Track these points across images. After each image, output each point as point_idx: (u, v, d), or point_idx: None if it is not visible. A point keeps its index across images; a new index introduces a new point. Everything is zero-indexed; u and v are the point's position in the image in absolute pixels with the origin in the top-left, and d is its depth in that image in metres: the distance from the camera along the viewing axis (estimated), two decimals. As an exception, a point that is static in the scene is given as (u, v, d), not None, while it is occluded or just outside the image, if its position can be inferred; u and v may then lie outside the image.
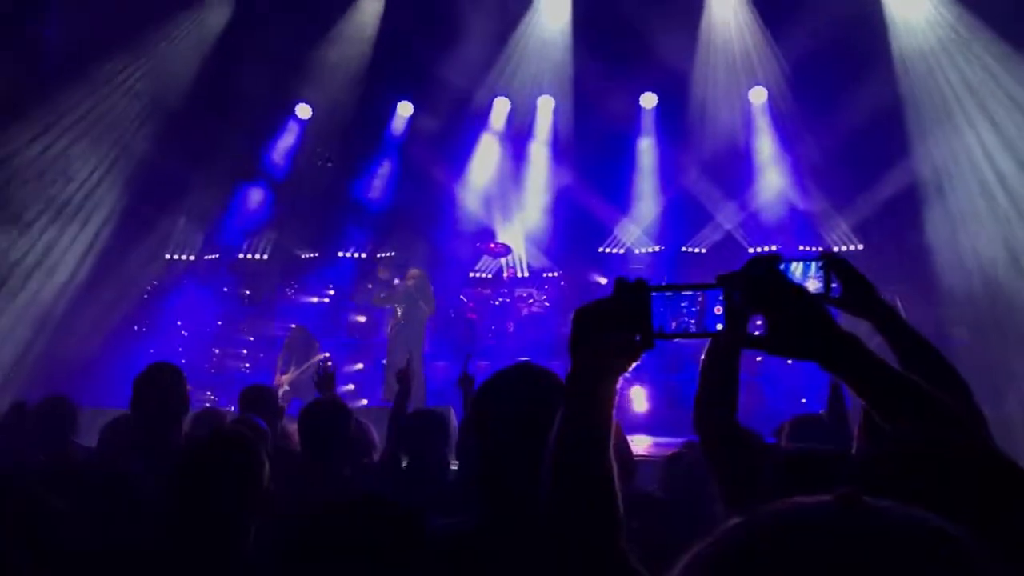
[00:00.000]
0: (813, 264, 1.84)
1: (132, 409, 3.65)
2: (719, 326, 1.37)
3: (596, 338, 1.36)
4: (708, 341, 1.86)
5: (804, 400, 10.87)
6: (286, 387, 10.48)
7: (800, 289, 1.31)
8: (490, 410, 1.89)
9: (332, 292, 13.42)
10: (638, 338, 1.38)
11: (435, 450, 3.94)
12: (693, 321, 1.40)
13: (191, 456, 2.38)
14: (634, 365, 1.40)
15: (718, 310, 1.37)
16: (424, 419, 4.12)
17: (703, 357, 1.90)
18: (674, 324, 1.41)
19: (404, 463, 4.22)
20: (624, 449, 3.67)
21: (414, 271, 10.66)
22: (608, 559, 1.28)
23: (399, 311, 10.38)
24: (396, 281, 10.92)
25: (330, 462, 3.55)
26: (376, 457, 4.80)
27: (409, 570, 1.72)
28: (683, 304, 1.40)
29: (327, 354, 11.33)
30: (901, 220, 11.36)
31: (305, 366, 10.72)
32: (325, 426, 3.62)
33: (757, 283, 1.31)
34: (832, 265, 1.83)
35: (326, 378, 4.94)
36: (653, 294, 1.39)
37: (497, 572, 1.76)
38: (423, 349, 10.53)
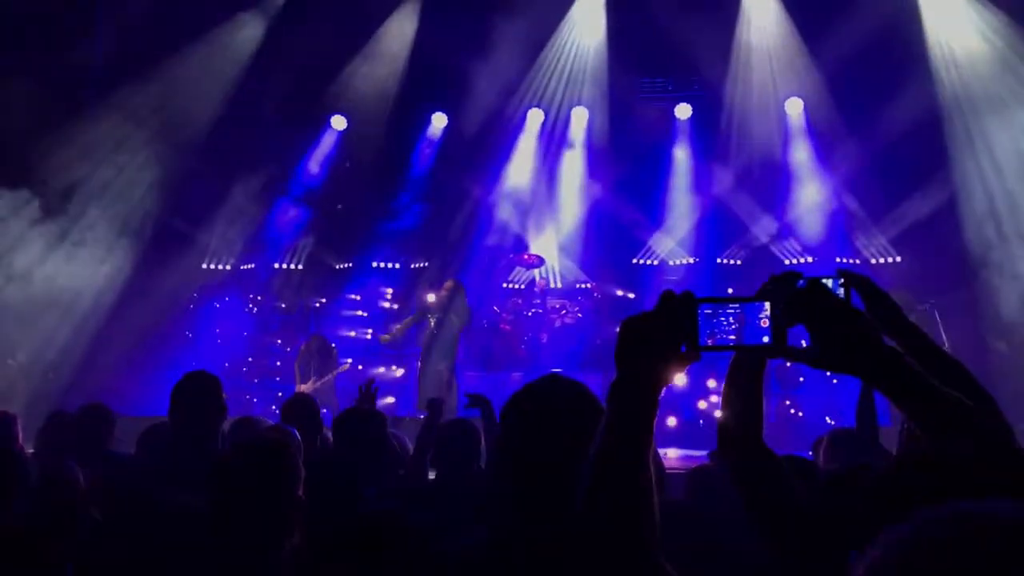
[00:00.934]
0: (838, 282, 1.84)
1: (170, 417, 3.68)
2: (765, 339, 1.39)
3: (642, 349, 1.39)
4: (732, 356, 1.86)
5: (831, 420, 10.76)
6: (307, 396, 10.51)
7: (846, 304, 1.34)
8: (516, 422, 1.90)
9: (357, 297, 13.49)
10: (684, 349, 1.41)
11: (464, 462, 3.93)
12: (732, 336, 1.42)
13: (226, 463, 2.40)
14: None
15: (764, 323, 1.38)
16: (454, 430, 4.11)
17: (727, 373, 1.90)
18: (713, 339, 1.43)
19: (432, 475, 4.23)
20: (655, 461, 3.67)
21: (449, 283, 10.67)
22: (645, 566, 1.31)
23: (432, 321, 10.41)
24: (432, 297, 10.86)
25: (366, 472, 3.55)
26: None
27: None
28: (725, 317, 1.42)
29: (348, 362, 11.36)
30: (940, 232, 11.21)
31: (330, 376, 10.74)
32: (361, 435, 3.63)
33: (803, 297, 1.34)
34: (852, 281, 1.83)
35: (369, 395, 4.93)
36: (700, 306, 1.41)
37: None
38: (455, 359, 10.54)
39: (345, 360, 11.33)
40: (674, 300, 1.40)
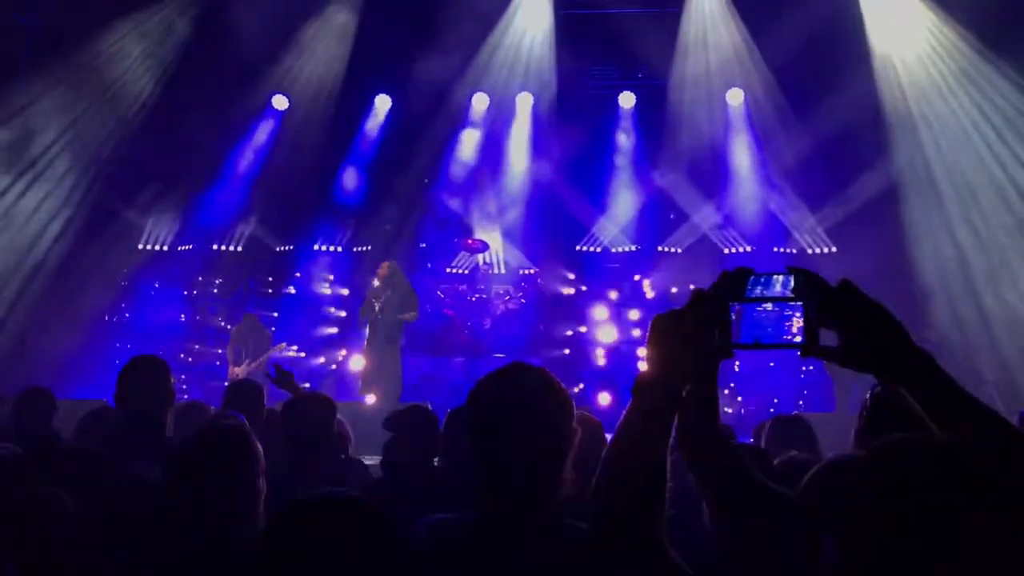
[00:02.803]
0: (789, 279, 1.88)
1: (117, 402, 3.59)
2: (798, 338, 1.41)
3: (673, 347, 1.42)
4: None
5: (776, 400, 11.07)
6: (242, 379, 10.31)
7: (877, 304, 1.37)
8: (489, 410, 1.92)
9: (300, 275, 13.35)
10: (716, 346, 1.44)
11: (420, 447, 3.92)
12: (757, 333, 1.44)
13: (190, 449, 2.37)
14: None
15: (798, 323, 1.41)
16: (409, 416, 4.08)
17: None
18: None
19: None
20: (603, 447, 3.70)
21: (383, 265, 10.47)
22: (652, 549, 1.35)
23: (377, 305, 10.33)
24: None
25: (315, 458, 3.53)
26: (351, 452, 4.74)
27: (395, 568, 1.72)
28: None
29: (284, 344, 11.21)
30: (874, 223, 11.51)
31: (263, 358, 10.53)
32: (311, 422, 3.59)
33: (838, 297, 1.37)
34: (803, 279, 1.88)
35: (283, 376, 4.79)
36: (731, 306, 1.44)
37: (500, 568, 1.80)
38: (400, 343, 10.49)
39: (281, 342, 11.17)
40: (706, 299, 1.43)
